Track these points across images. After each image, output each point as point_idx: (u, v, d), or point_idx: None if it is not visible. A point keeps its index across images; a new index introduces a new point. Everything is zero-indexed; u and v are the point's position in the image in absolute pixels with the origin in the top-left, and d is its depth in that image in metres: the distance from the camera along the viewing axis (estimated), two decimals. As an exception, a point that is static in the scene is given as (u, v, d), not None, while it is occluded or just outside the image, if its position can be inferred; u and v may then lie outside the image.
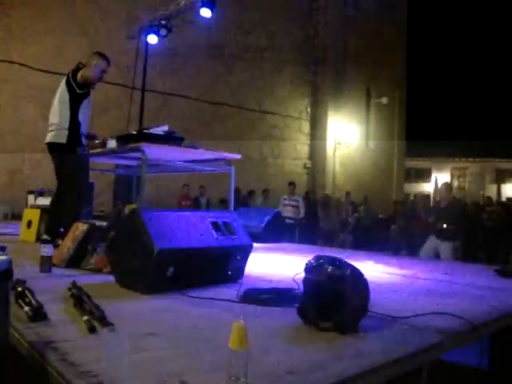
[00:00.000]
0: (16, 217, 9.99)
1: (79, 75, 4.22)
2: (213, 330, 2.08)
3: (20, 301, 2.28)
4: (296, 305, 2.38)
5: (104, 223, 3.64)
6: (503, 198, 25.94)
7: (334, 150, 16.33)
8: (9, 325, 1.87)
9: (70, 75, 4.33)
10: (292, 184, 10.52)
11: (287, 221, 8.86)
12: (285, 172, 15.34)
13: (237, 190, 9.53)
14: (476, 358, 2.85)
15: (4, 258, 1.77)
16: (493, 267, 4.32)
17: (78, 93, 4.30)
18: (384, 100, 18.15)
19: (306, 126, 16.41)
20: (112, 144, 4.40)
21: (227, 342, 1.46)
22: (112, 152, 4.53)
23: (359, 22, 16.77)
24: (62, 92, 4.42)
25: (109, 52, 11.37)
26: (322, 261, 2.15)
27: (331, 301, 2.07)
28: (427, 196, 13.83)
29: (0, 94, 10.58)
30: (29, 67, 10.78)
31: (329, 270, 2.10)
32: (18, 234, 5.67)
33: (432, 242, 6.57)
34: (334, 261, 2.15)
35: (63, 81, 4.46)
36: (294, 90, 15.99)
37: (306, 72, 16.40)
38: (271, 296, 2.65)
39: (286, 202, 10.19)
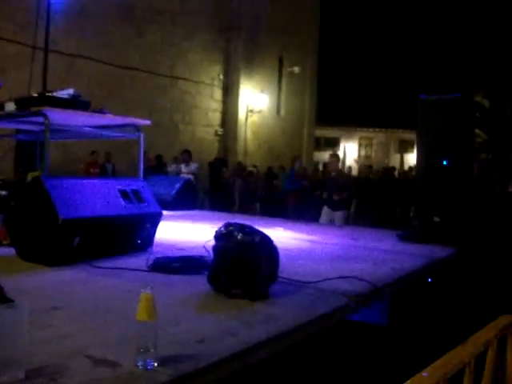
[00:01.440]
0: None
1: None
2: (121, 301, 2.03)
3: None
4: (206, 272, 2.38)
5: (3, 192, 3.41)
6: (405, 167, 27.39)
7: (246, 118, 16.35)
8: None
9: None
10: (186, 152, 10.07)
11: None
12: (196, 139, 15.15)
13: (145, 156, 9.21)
14: (378, 316, 3.02)
15: None
16: (395, 232, 4.53)
17: None
18: (296, 69, 18.31)
19: (218, 93, 16.24)
20: (10, 107, 4.07)
21: (135, 313, 1.42)
22: (10, 116, 4.21)
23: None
24: None
25: (5, 5, 10.59)
26: (231, 228, 2.15)
27: (241, 268, 2.08)
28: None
29: None
30: None
31: (238, 237, 2.10)
32: None
33: (326, 212, 6.80)
34: (243, 228, 2.16)
35: None
36: (206, 56, 15.71)
37: (219, 38, 16.14)
38: (181, 264, 2.63)
39: (182, 169, 9.74)
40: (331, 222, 6.72)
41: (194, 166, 9.59)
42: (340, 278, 2.54)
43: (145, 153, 10.11)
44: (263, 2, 16.51)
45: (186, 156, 9.79)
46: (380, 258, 3.35)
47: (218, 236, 2.13)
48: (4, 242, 3.13)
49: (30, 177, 4.24)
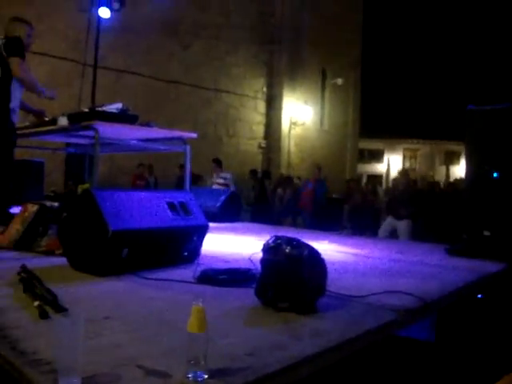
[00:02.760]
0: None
1: (15, 70, 3.93)
2: (170, 312, 2.05)
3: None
4: (253, 285, 2.38)
5: (55, 204, 3.53)
6: (451, 179, 26.79)
7: (289, 130, 16.38)
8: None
9: (2, 48, 4.00)
10: (216, 161, 10.09)
11: None
12: (240, 152, 15.29)
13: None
14: (426, 332, 2.95)
15: None
16: (444, 246, 4.45)
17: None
18: (339, 81, 18.27)
19: (261, 106, 16.36)
20: (63, 122, 4.25)
21: (185, 324, 1.44)
22: (63, 130, 4.38)
23: (316, 1, 16.73)
24: None
25: (58, 25, 11.03)
26: (279, 241, 2.15)
27: (289, 281, 2.07)
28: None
29: None
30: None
31: (286, 250, 2.10)
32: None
33: (389, 222, 6.83)
34: (291, 241, 2.16)
35: None
36: (250, 69, 15.87)
37: (262, 51, 16.29)
38: (228, 276, 2.64)
39: (214, 180, 9.77)
40: (392, 233, 6.72)
41: (225, 176, 9.60)
42: (387, 292, 2.49)
43: (181, 166, 10.26)
44: (305, 15, 16.57)
45: (215, 165, 9.78)
46: (428, 273, 3.28)
47: (266, 249, 2.14)
48: (57, 252, 3.23)
49: (79, 189, 4.37)
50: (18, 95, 4.08)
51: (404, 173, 8.08)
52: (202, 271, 2.70)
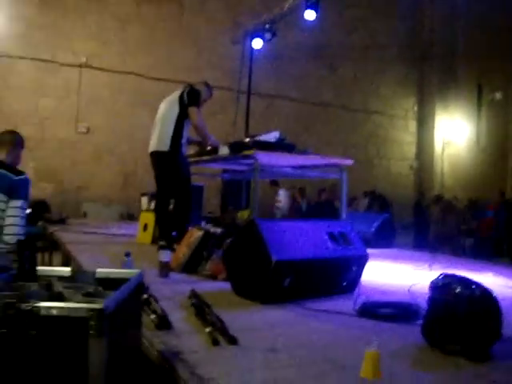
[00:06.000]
0: (130, 216, 10.61)
1: (193, 118, 4.47)
2: (334, 348, 2.05)
3: (146, 307, 2.39)
4: (416, 322, 2.30)
5: (218, 230, 3.74)
6: None
7: (443, 150, 15.61)
8: (141, 334, 1.97)
9: (185, 93, 4.55)
10: (272, 183, 10.30)
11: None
12: (390, 173, 14.93)
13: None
14: None
15: (137, 271, 1.87)
16: None
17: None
18: (497, 96, 17.01)
19: (412, 126, 15.83)
20: (225, 151, 4.53)
21: (352, 364, 1.43)
22: (224, 159, 4.66)
23: (469, 12, 15.86)
24: (172, 106, 4.63)
25: (215, 57, 11.82)
26: (448, 280, 2.05)
27: (460, 323, 1.96)
28: None
29: (116, 102, 11.28)
30: (142, 76, 11.39)
31: (457, 290, 1.99)
32: (134, 235, 5.99)
33: None
34: (461, 280, 2.05)
35: (175, 95, 4.66)
36: (399, 88, 15.49)
37: (412, 69, 15.81)
38: (390, 311, 2.57)
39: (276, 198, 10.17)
40: None
41: (283, 194, 9.71)
42: None
43: (323, 190, 10.30)
44: (457, 29, 15.73)
45: (274, 186, 9.92)
46: None
47: (434, 287, 2.05)
48: (219, 277, 3.42)
49: (240, 216, 4.61)
50: (186, 133, 4.60)
51: None
52: (363, 304, 2.67)
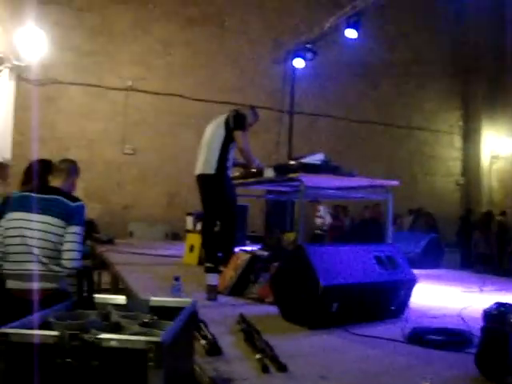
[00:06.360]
0: (175, 236, 10.78)
1: (239, 141, 4.58)
2: (385, 376, 2.04)
3: (196, 333, 2.43)
4: (468, 350, 2.25)
5: (265, 253, 3.77)
6: None
7: (490, 165, 15.21)
8: (193, 361, 2.01)
9: (231, 117, 4.68)
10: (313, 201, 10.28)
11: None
12: (435, 190, 14.64)
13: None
14: None
15: (190, 300, 1.91)
16: None
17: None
18: (548, 108, 16.53)
19: (457, 141, 15.51)
20: (270, 173, 4.59)
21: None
22: (270, 181, 4.72)
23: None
24: (218, 129, 4.75)
25: (257, 77, 11.98)
26: (503, 309, 2.01)
27: (517, 354, 1.91)
28: None
29: (161, 124, 11.53)
30: (186, 98, 11.64)
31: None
32: (180, 256, 6.09)
33: None
34: (517, 309, 2.00)
35: (221, 119, 4.78)
36: (443, 103, 15.23)
37: (456, 83, 15.53)
38: (441, 338, 2.53)
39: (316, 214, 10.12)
40: None
41: (324, 211, 9.64)
42: None
43: (366, 207, 10.28)
44: (504, 41, 15.37)
45: (314, 203, 9.88)
46: None
47: (488, 316, 2.01)
48: (267, 300, 3.44)
49: (286, 237, 4.64)
50: (232, 156, 4.69)
51: None
52: (412, 330, 2.63)
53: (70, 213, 3.21)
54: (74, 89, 10.87)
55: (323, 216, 10.42)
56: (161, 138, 11.50)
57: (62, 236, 3.19)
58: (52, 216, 3.17)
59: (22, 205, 3.22)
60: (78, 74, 10.82)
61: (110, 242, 7.85)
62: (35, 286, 3.07)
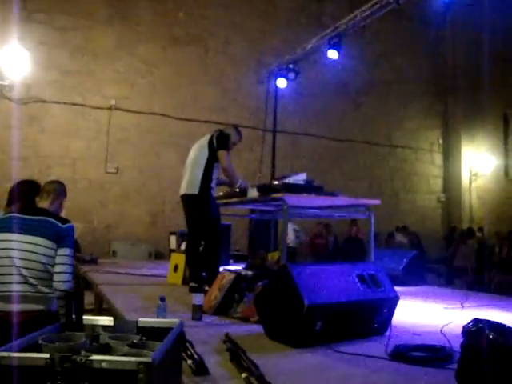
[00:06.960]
0: (159, 256, 10.75)
1: (222, 161, 4.67)
2: (369, 394, 2.08)
3: (182, 353, 2.45)
4: (449, 365, 2.31)
5: (249, 273, 3.80)
6: None
7: (470, 182, 15.50)
8: (181, 381, 2.04)
9: (214, 138, 4.74)
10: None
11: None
12: (417, 207, 14.85)
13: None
14: None
15: (177, 321, 1.95)
16: None
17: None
18: (524, 125, 16.93)
19: (438, 159, 15.78)
20: (253, 193, 4.64)
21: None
22: (253, 201, 4.77)
23: (492, 44, 15.89)
24: (202, 149, 4.81)
25: (240, 97, 12.11)
26: (480, 325, 2.07)
27: (494, 371, 1.97)
28: None
29: (144, 143, 11.56)
30: (169, 117, 11.70)
31: (490, 336, 2.00)
32: (164, 276, 6.08)
33: None
34: (495, 326, 2.06)
35: (205, 139, 4.85)
36: (423, 121, 15.52)
37: (435, 102, 15.86)
38: (423, 354, 2.59)
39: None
40: None
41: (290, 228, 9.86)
42: None
43: (351, 223, 10.40)
44: (481, 60, 15.74)
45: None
46: None
47: (466, 333, 2.07)
48: (251, 320, 3.47)
49: (270, 257, 4.68)
50: (215, 176, 4.74)
51: None
52: (395, 347, 2.68)
53: (60, 234, 3.22)
54: (58, 108, 10.86)
55: (288, 234, 10.42)
56: (144, 156, 11.51)
57: (53, 257, 3.19)
58: (41, 237, 3.17)
59: (8, 226, 3.22)
60: (61, 93, 10.83)
61: (93, 261, 7.80)
62: (21, 307, 3.06)
